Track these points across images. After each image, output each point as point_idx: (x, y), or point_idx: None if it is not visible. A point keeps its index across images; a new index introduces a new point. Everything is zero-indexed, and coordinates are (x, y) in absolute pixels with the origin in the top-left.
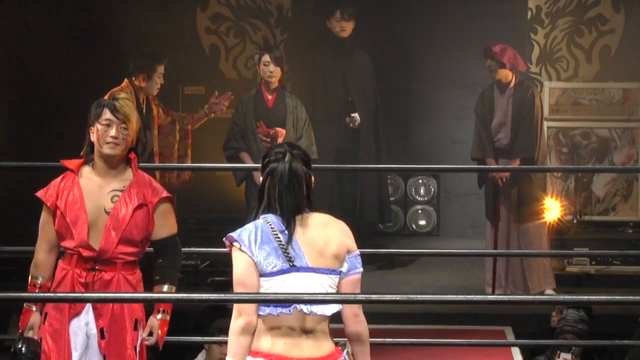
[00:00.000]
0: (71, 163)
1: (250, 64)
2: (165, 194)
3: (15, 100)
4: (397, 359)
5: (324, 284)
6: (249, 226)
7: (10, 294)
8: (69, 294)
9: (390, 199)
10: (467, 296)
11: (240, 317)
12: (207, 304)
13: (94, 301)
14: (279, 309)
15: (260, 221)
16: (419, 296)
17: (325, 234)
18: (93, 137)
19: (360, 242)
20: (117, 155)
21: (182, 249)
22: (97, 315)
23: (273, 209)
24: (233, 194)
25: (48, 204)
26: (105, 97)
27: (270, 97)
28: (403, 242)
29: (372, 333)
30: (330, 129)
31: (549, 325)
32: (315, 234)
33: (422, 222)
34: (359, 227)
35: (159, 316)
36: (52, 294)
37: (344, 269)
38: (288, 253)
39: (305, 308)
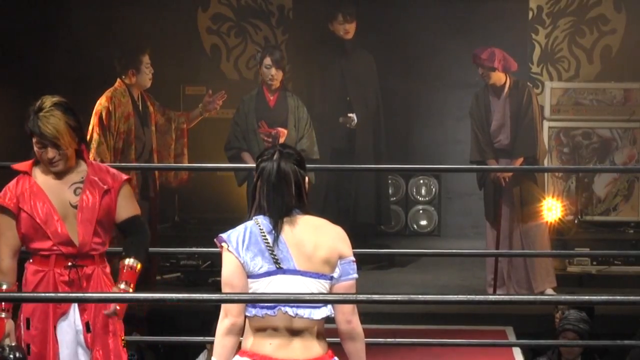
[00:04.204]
0: (22, 166)
1: (252, 64)
2: (125, 177)
3: (16, 98)
4: (398, 359)
5: (311, 288)
6: (240, 227)
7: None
8: (59, 294)
9: (391, 199)
10: (468, 296)
11: (226, 318)
12: (208, 304)
13: (95, 301)
14: (264, 311)
15: (250, 222)
16: (420, 296)
17: (316, 238)
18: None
19: (361, 242)
20: (64, 169)
21: (184, 249)
22: (82, 310)
23: (262, 208)
24: (234, 194)
25: (10, 208)
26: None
27: (271, 97)
28: (404, 242)
29: (373, 333)
30: (327, 128)
31: (551, 325)
32: (305, 237)
33: (423, 222)
34: (356, 227)
35: (122, 286)
36: (46, 294)
37: (335, 275)
38: (275, 255)
39: (290, 311)
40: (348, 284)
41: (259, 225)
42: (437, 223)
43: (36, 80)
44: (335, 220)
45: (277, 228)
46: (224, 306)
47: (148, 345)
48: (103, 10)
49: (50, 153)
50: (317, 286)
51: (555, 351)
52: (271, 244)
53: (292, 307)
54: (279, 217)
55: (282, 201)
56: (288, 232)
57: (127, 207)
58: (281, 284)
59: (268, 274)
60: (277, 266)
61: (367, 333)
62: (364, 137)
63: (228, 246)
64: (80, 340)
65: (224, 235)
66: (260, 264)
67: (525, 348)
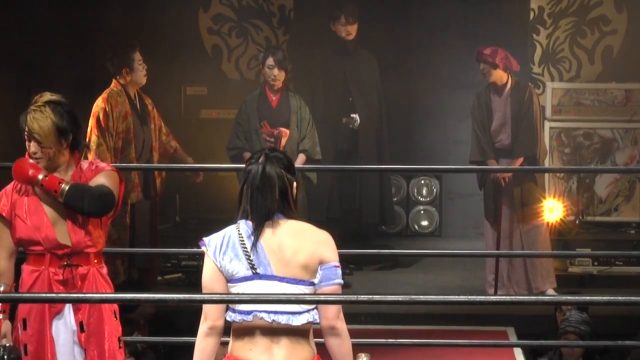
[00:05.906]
0: None
1: (253, 64)
2: (106, 166)
3: (15, 99)
4: (399, 359)
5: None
6: (222, 231)
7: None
8: (58, 294)
9: (393, 199)
10: (469, 297)
11: (204, 322)
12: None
13: (93, 301)
14: (241, 316)
15: (232, 226)
16: (421, 297)
17: (296, 243)
18: None
19: (363, 242)
20: (47, 167)
21: (185, 249)
22: (76, 310)
23: (246, 212)
24: (235, 195)
25: (3, 214)
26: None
27: (274, 97)
28: (405, 243)
29: (374, 333)
30: (329, 129)
31: (552, 325)
32: (285, 242)
33: (425, 223)
34: (359, 228)
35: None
36: (39, 294)
37: (316, 280)
38: (251, 260)
39: (267, 317)
40: (329, 289)
41: (239, 230)
42: (438, 223)
43: (36, 81)
44: (338, 221)
45: (257, 232)
46: (203, 310)
47: (149, 345)
48: (104, 11)
49: (32, 147)
50: (296, 292)
51: (556, 352)
52: (249, 249)
53: (269, 313)
54: (260, 222)
55: (264, 205)
56: (268, 236)
57: (96, 181)
58: (258, 289)
59: (245, 279)
60: (254, 271)
61: (369, 333)
62: (367, 138)
63: (207, 250)
64: (75, 339)
65: (205, 239)
66: (238, 269)
67: (526, 349)
